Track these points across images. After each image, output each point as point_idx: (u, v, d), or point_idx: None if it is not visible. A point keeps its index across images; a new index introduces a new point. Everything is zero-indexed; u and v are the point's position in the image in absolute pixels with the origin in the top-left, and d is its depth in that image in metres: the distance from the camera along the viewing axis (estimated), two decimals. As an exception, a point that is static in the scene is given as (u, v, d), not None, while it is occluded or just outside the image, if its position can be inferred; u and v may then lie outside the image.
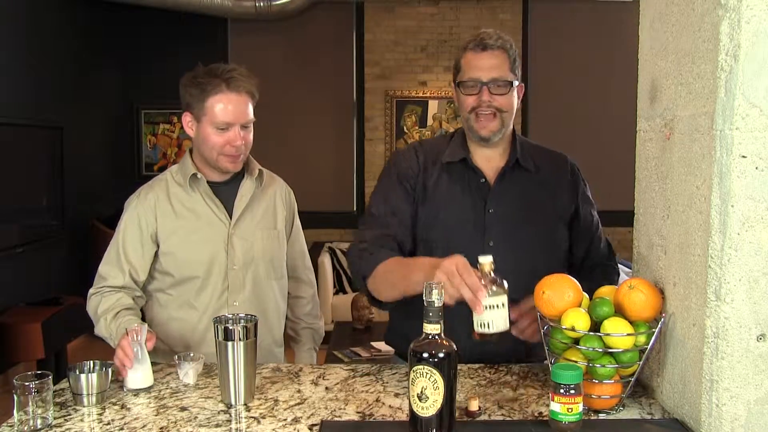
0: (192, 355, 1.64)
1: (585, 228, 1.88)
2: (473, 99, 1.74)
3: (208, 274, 1.91)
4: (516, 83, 1.76)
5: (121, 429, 1.34)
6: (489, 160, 1.82)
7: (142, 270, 1.92)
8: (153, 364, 1.62)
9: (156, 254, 1.93)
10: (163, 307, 1.96)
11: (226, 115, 1.82)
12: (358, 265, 1.74)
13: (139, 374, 1.55)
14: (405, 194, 1.80)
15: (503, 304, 1.38)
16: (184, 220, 1.92)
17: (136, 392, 1.54)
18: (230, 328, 1.46)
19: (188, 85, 1.86)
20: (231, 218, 1.94)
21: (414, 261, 1.65)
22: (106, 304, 1.86)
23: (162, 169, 6.42)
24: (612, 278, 1.90)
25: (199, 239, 1.91)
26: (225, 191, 1.95)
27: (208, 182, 1.93)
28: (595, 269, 1.89)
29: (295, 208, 2.13)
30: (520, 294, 1.72)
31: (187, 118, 1.89)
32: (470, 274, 1.37)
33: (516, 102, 1.79)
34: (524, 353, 1.76)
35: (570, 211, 1.86)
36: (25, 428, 1.32)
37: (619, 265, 4.70)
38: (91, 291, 1.93)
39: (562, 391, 1.25)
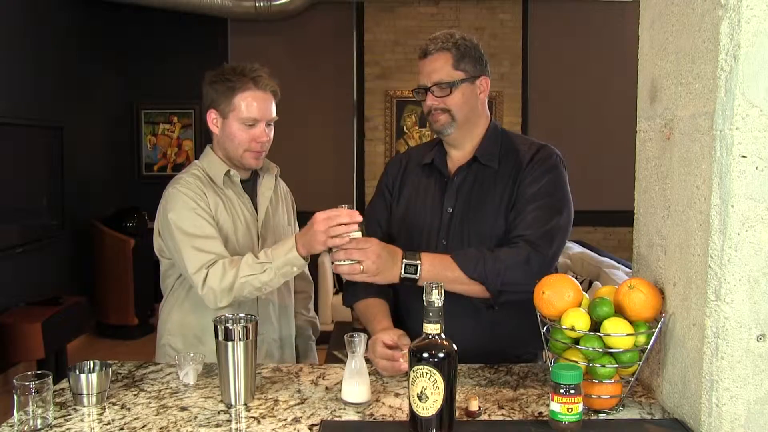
0: (192, 355, 1.64)
1: (517, 204, 1.74)
2: (425, 104, 1.80)
3: None
4: (461, 81, 1.75)
5: (121, 429, 1.34)
6: (457, 160, 1.85)
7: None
8: (158, 364, 1.62)
9: None
10: (194, 304, 1.91)
11: (253, 112, 1.87)
12: (344, 291, 1.91)
13: (361, 387, 1.45)
14: (384, 204, 1.92)
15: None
16: (222, 218, 1.91)
17: (354, 406, 1.44)
18: (230, 328, 1.46)
19: (215, 82, 1.89)
20: (257, 215, 1.98)
21: (372, 318, 1.78)
22: (229, 259, 1.77)
23: (162, 169, 6.48)
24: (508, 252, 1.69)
25: (237, 236, 1.92)
26: (247, 189, 1.99)
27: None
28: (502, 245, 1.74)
29: (294, 207, 2.19)
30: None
31: (212, 115, 1.91)
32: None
33: (471, 96, 1.78)
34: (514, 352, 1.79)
35: (513, 196, 1.76)
36: (25, 428, 1.32)
37: (620, 265, 4.68)
38: (199, 274, 1.77)
39: (562, 391, 1.25)
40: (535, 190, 1.73)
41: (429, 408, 1.23)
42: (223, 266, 1.76)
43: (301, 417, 1.39)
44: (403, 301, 1.83)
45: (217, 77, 1.89)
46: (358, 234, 1.58)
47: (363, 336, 1.49)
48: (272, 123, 1.94)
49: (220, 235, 1.85)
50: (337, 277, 5.76)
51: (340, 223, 1.58)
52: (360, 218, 1.59)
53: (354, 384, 1.45)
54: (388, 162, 2.00)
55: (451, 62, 1.77)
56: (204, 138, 6.03)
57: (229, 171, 1.93)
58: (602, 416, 1.39)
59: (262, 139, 1.89)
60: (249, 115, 1.86)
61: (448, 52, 1.77)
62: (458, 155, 1.85)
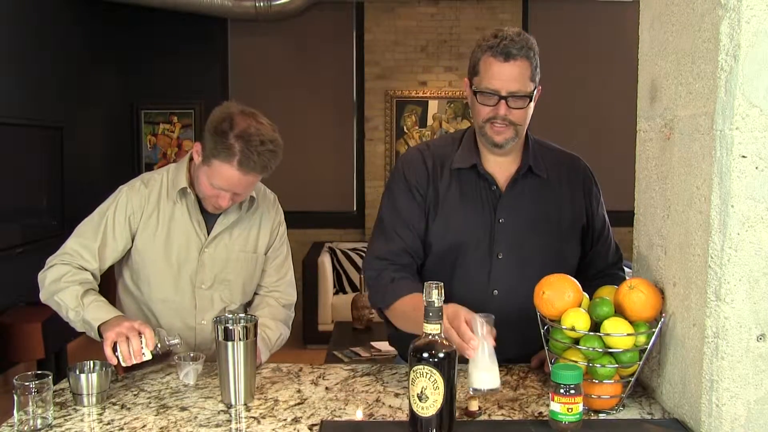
0: (192, 355, 1.64)
1: (597, 234, 1.83)
2: (489, 110, 1.65)
3: (174, 288, 1.88)
4: (535, 92, 1.67)
5: (121, 429, 1.34)
6: (500, 166, 1.75)
7: (112, 260, 1.88)
8: (149, 364, 1.62)
9: (129, 253, 1.89)
10: (121, 301, 1.94)
11: (221, 182, 1.76)
12: (375, 293, 1.72)
13: (490, 374, 1.38)
14: (417, 205, 1.75)
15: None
16: (164, 228, 1.87)
17: (486, 393, 1.40)
18: (230, 328, 1.46)
19: (212, 131, 1.75)
20: (209, 236, 1.89)
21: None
22: (76, 277, 1.79)
23: (162, 168, 6.47)
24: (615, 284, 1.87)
25: (171, 250, 1.87)
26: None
27: (197, 196, 1.88)
28: (598, 278, 1.83)
29: (281, 225, 2.03)
30: (526, 305, 1.70)
31: (197, 147, 1.81)
32: (462, 322, 1.39)
33: (532, 108, 1.70)
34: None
35: (583, 220, 1.80)
36: (25, 428, 1.32)
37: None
38: (53, 260, 1.83)
39: (562, 391, 1.25)
40: (605, 214, 1.87)
41: (429, 408, 1.23)
42: (62, 272, 1.78)
43: (301, 417, 1.39)
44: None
45: (216, 127, 1.74)
46: (147, 354, 1.60)
47: (481, 318, 1.38)
48: (244, 194, 1.83)
49: (144, 245, 1.85)
50: (338, 277, 5.76)
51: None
52: (151, 342, 1.60)
53: (487, 370, 1.37)
54: (404, 160, 1.82)
55: (529, 72, 1.63)
56: (204, 138, 6.00)
57: (185, 189, 1.86)
58: (602, 416, 1.39)
59: (221, 203, 1.79)
60: (216, 182, 1.76)
61: (529, 61, 1.63)
62: (502, 161, 1.75)
